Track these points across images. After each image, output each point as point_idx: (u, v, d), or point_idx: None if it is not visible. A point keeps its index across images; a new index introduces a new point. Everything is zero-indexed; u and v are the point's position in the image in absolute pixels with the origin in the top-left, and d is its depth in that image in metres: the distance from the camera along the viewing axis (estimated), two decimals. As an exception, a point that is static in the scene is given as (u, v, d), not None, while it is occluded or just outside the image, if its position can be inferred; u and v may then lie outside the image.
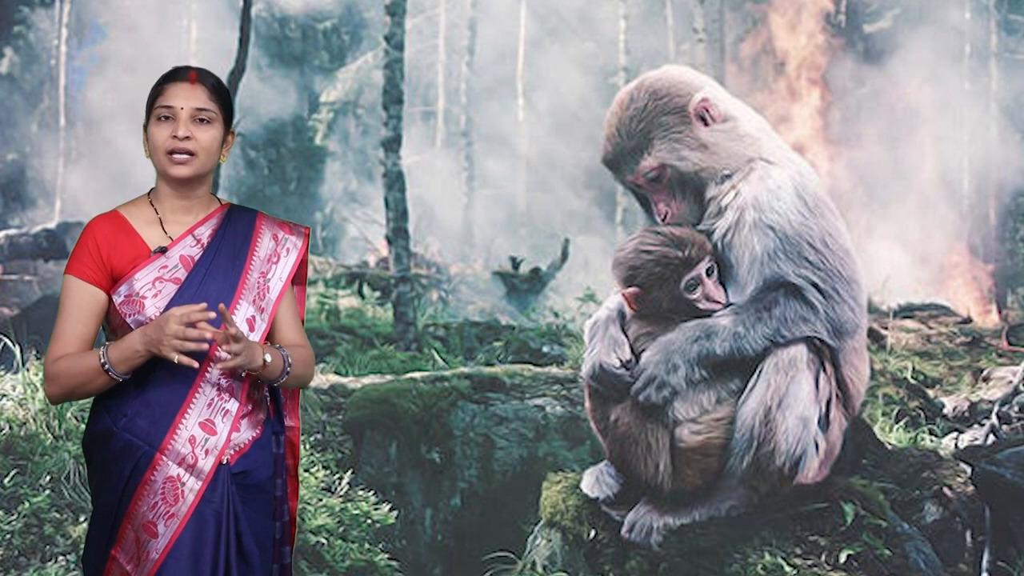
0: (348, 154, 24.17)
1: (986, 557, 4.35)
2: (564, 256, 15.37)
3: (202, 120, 2.78)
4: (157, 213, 2.82)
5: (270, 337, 2.87)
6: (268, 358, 2.73)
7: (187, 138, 2.76)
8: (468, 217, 22.40)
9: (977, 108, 19.25)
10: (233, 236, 2.83)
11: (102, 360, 2.68)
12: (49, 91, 22.10)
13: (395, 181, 10.09)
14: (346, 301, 12.96)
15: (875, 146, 18.38)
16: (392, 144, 10.11)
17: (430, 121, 25.22)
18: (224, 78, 10.45)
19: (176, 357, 2.62)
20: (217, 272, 2.78)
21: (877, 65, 18.92)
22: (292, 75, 23.31)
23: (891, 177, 18.21)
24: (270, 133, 22.79)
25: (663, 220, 4.10)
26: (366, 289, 13.56)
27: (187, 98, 2.78)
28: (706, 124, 4.05)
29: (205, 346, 2.65)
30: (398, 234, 10.12)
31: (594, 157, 4.81)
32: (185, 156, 2.76)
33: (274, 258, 2.87)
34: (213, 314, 2.65)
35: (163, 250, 2.77)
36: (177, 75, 2.81)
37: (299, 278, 2.95)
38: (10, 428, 5.22)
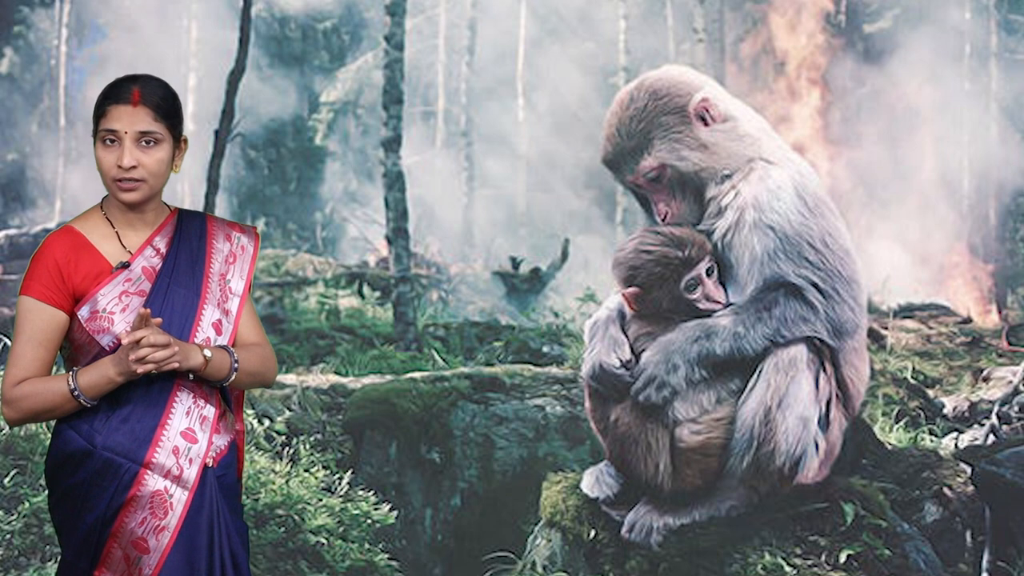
0: (348, 154, 24.18)
1: (986, 557, 4.35)
2: (564, 256, 15.36)
3: (148, 143, 2.68)
4: (113, 226, 2.75)
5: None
6: (208, 354, 2.67)
7: (133, 167, 2.67)
8: (468, 217, 22.40)
9: (977, 108, 19.24)
10: (188, 242, 2.79)
11: (71, 387, 2.62)
12: (49, 91, 22.11)
13: (395, 181, 10.09)
14: (346, 301, 12.96)
15: (875, 146, 18.37)
16: (392, 144, 10.11)
17: (430, 121, 25.21)
18: (224, 78, 10.51)
19: (153, 368, 2.59)
20: (180, 279, 2.74)
21: (877, 65, 18.92)
22: (292, 75, 23.32)
23: (891, 177, 18.20)
24: (270, 133, 22.80)
25: (663, 220, 4.10)
26: (366, 289, 13.55)
27: (130, 122, 2.66)
28: (706, 124, 4.05)
29: (169, 352, 2.60)
30: (398, 234, 10.12)
31: (594, 157, 4.81)
32: (132, 183, 2.68)
33: (231, 258, 2.83)
34: (158, 320, 2.61)
35: (125, 265, 2.71)
36: (119, 95, 2.68)
37: None
38: (10, 428, 5.21)
